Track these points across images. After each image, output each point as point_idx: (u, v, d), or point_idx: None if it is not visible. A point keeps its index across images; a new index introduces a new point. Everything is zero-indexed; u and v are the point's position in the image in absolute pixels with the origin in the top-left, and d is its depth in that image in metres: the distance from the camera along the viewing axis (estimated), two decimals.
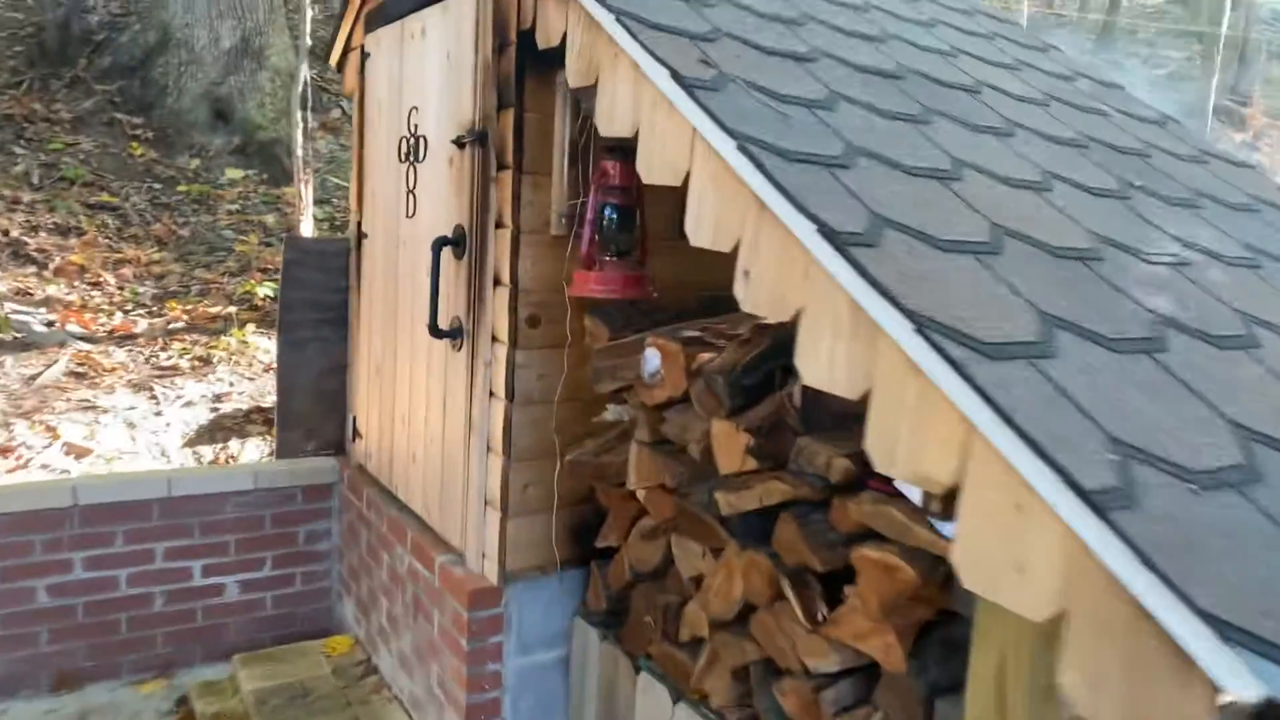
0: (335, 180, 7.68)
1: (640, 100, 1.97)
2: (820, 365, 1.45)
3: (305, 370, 3.93)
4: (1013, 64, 2.88)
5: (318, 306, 3.91)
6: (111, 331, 5.38)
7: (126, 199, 6.73)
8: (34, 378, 4.72)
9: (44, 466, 4.07)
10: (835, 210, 1.52)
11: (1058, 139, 2.33)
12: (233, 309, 5.78)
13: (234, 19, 7.81)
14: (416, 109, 3.10)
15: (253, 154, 7.77)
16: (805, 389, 2.05)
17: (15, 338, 4.99)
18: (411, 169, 3.15)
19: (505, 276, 2.62)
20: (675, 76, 1.80)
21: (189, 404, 4.84)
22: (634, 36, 1.92)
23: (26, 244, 5.88)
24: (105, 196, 6.68)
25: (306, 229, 6.14)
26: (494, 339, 2.69)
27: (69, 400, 4.59)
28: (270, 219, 7.03)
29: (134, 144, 7.30)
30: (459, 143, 2.76)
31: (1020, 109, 2.44)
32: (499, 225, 2.64)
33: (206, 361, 5.26)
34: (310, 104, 6.34)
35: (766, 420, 2.08)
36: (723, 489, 2.10)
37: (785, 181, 1.56)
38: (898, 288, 1.34)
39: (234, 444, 4.56)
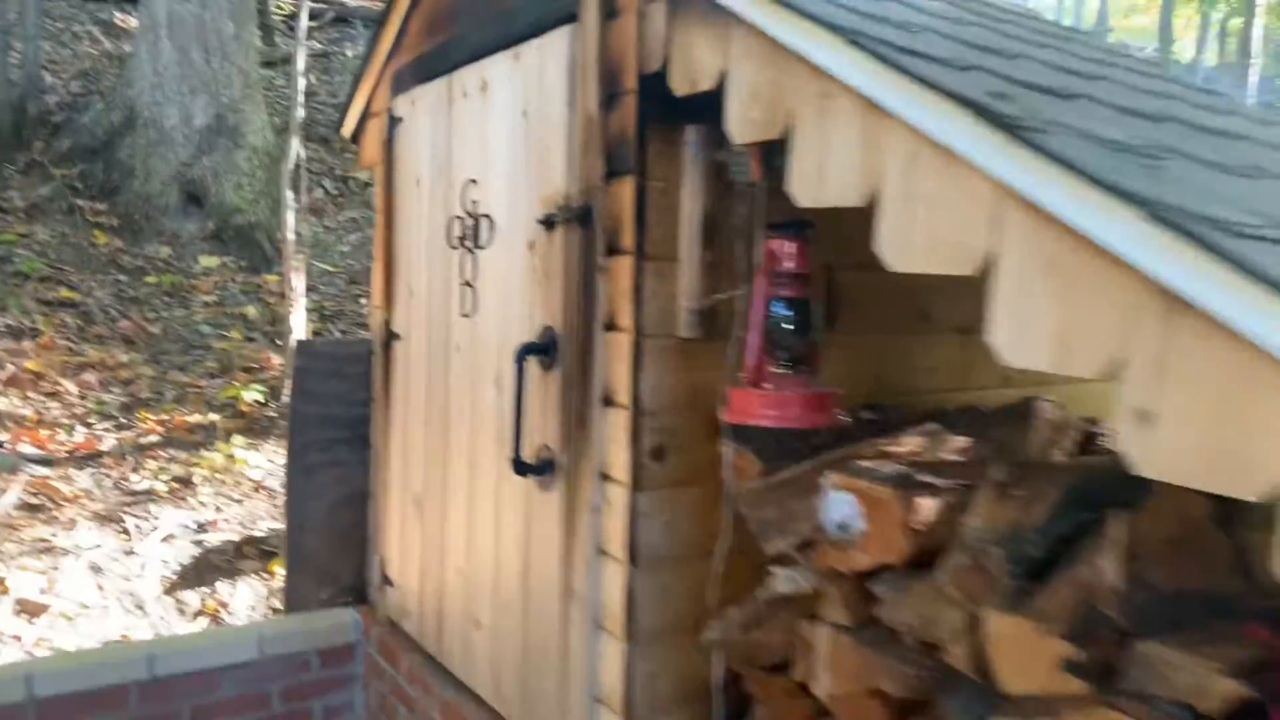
0: (320, 266, 7.02)
1: (879, 154, 1.37)
2: None
3: (318, 501, 3.21)
4: None
5: (333, 423, 3.21)
6: (72, 451, 4.61)
7: (89, 293, 6.01)
8: None
9: None
10: None
11: None
12: (214, 417, 5.04)
13: (207, 95, 7.22)
14: (474, 183, 2.48)
15: (229, 239, 7.10)
16: (1127, 560, 1.41)
17: None
18: (468, 257, 2.51)
19: (621, 394, 1.97)
20: (984, 113, 1.19)
21: (167, 538, 4.07)
22: (887, 62, 1.32)
23: None
24: (64, 292, 5.95)
25: (298, 321, 5.46)
26: (604, 477, 2.02)
27: (21, 541, 3.80)
28: (252, 310, 6.34)
29: (97, 232, 6.61)
30: (547, 223, 2.13)
31: None
32: (611, 327, 1.99)
33: (186, 483, 4.51)
34: (295, 186, 5.72)
35: (1073, 612, 1.42)
36: (1014, 717, 1.43)
37: (1246, 261, 0.94)
38: None
39: (223, 587, 3.80)
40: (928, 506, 1.69)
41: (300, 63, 5.40)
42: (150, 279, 6.39)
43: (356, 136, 3.41)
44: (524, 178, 2.25)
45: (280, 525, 4.33)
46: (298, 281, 5.39)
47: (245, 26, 7.50)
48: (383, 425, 3.10)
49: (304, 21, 5.47)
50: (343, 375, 3.22)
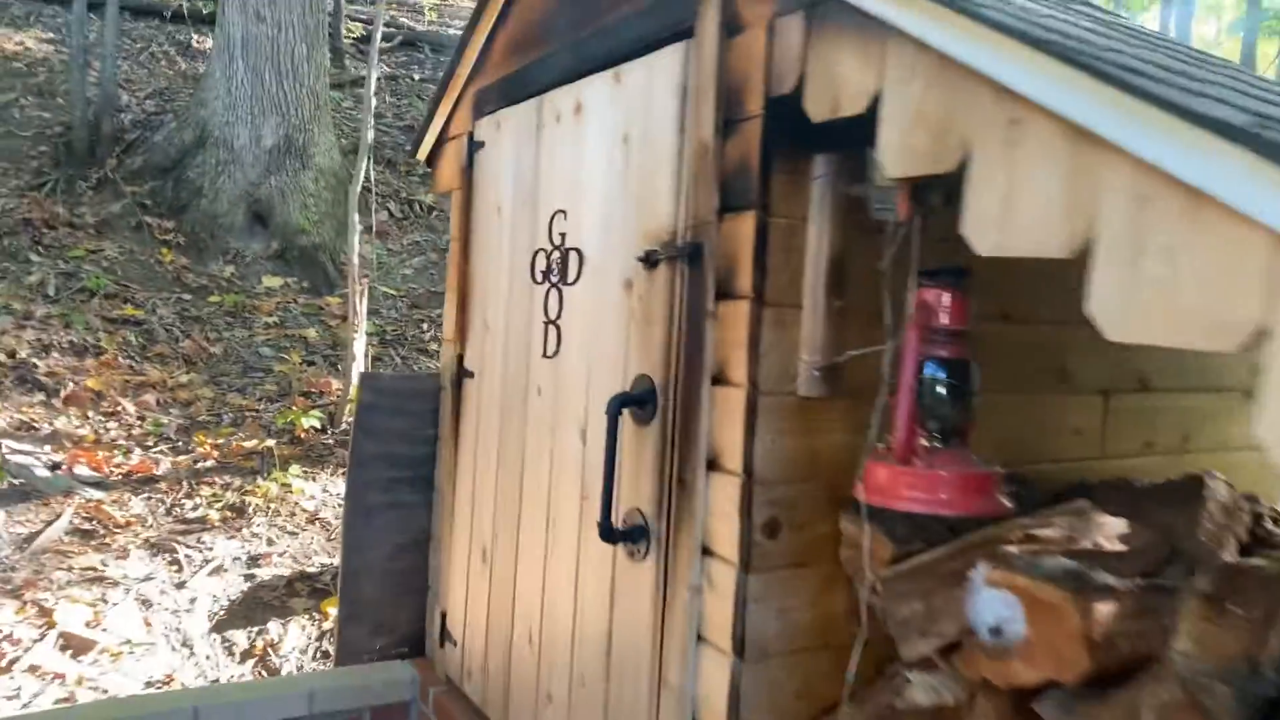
0: (384, 289, 6.92)
1: (1093, 194, 1.12)
2: None
3: (377, 546, 3.01)
4: None
5: (396, 462, 3.02)
6: (128, 474, 4.50)
7: (153, 311, 5.96)
8: (30, 539, 3.81)
9: (32, 669, 3.12)
10: None
11: None
12: (271, 443, 4.91)
13: (278, 116, 7.21)
14: (563, 214, 2.27)
15: (293, 260, 7.05)
16: None
17: (12, 485, 4.12)
18: (554, 293, 2.30)
19: (730, 458, 1.73)
20: (1260, 146, 0.93)
21: (218, 569, 3.91)
22: (1109, 79, 1.07)
23: (35, 366, 5.07)
24: (129, 309, 5.91)
25: (359, 347, 5.33)
26: (707, 552, 1.77)
27: (71, 569, 3.67)
28: (312, 333, 6.24)
29: (164, 249, 6.59)
30: (648, 261, 1.90)
31: None
32: (720, 380, 1.75)
33: (240, 512, 4.36)
34: (362, 208, 5.61)
35: None
36: None
37: None
38: None
39: (274, 626, 3.62)
40: (1107, 614, 1.41)
41: (372, 83, 5.32)
42: (214, 298, 6.34)
43: (432, 160, 3.24)
44: (622, 210, 2.03)
45: (335, 561, 4.15)
46: (360, 305, 5.26)
47: (317, 49, 7.50)
48: (450, 467, 2.89)
49: (376, 41, 5.39)
50: (408, 412, 3.03)
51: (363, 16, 10.93)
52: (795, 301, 1.73)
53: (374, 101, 5.41)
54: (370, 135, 5.43)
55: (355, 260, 5.18)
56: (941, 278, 1.50)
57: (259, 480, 4.61)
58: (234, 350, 5.91)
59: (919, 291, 1.51)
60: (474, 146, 2.80)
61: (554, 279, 2.30)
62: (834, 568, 1.82)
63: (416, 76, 10.54)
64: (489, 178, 2.70)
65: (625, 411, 1.94)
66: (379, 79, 10.29)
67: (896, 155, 1.41)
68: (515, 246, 2.51)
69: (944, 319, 1.49)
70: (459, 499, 2.83)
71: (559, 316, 2.27)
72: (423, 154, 3.27)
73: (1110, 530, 1.83)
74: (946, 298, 1.49)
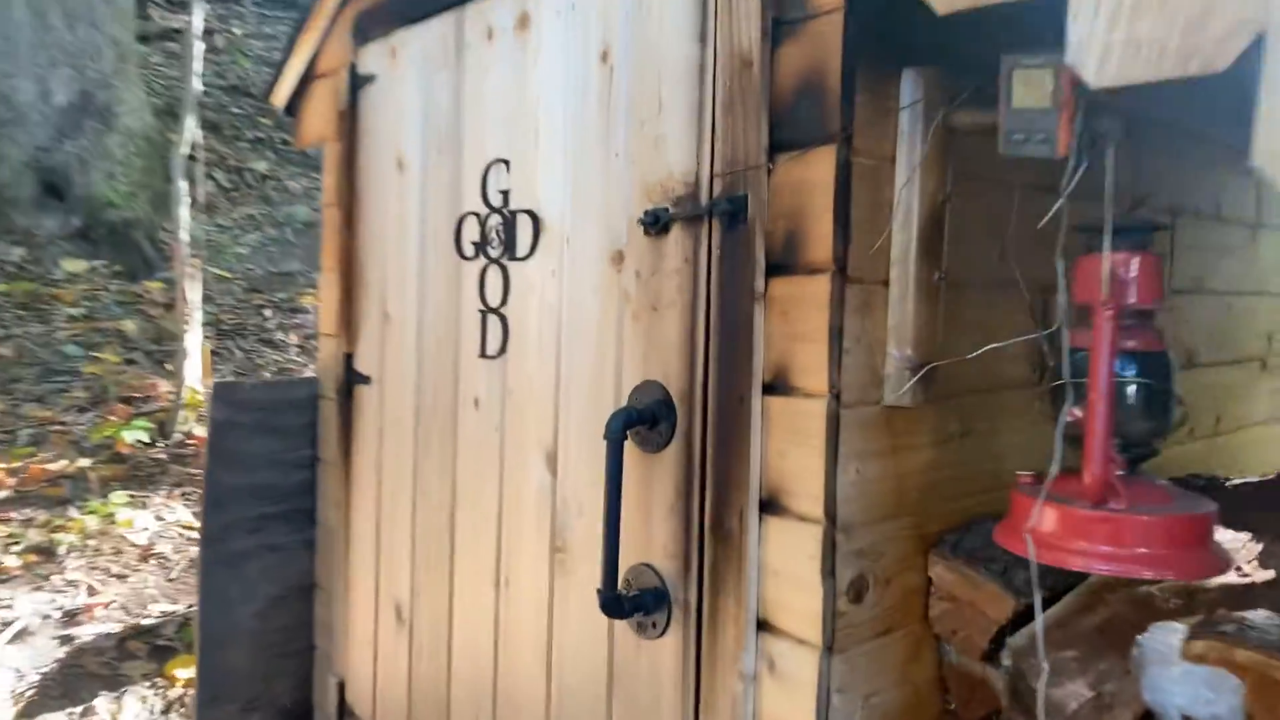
0: (215, 271, 5.96)
1: None
2: None
3: (245, 602, 2.34)
4: None
5: (265, 494, 2.35)
6: None
7: None
8: None
9: None
10: None
11: None
12: (85, 463, 3.99)
13: (70, 68, 6.05)
14: (504, 164, 1.69)
15: (100, 239, 5.96)
16: None
17: None
18: (494, 271, 1.72)
19: (800, 496, 1.24)
20: None
21: (22, 634, 3.07)
22: None
23: None
24: None
25: (193, 340, 4.45)
26: (766, 627, 1.28)
27: None
28: (130, 325, 5.25)
29: None
30: (653, 223, 1.37)
31: None
32: (779, 388, 1.25)
33: (48, 554, 3.47)
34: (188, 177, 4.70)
35: None
36: None
37: None
38: None
39: (103, 702, 2.84)
40: None
41: (197, 21, 4.41)
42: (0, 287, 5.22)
43: (294, 106, 2.54)
44: (602, 156, 1.48)
45: (179, 608, 3.38)
46: (193, 291, 4.39)
47: None
48: (339, 498, 2.25)
49: None
50: (278, 429, 2.36)
51: None
52: (882, 276, 1.25)
53: (199, 45, 4.50)
54: (197, 86, 4.53)
55: (183, 237, 4.30)
56: (1131, 237, 1.05)
57: (71, 512, 3.72)
58: (28, 350, 4.85)
59: (1100, 257, 1.06)
60: (357, 83, 2.15)
61: (493, 253, 1.72)
62: (920, 628, 1.37)
63: (238, 31, 9.33)
64: (383, 122, 2.07)
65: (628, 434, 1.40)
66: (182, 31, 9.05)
67: (1102, 54, 0.94)
68: (429, 211, 1.90)
69: (1133, 295, 1.05)
70: (356, 539, 2.20)
71: (503, 303, 1.70)
72: (280, 98, 2.56)
73: (1240, 550, 1.47)
74: (1136, 265, 1.05)
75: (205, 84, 8.13)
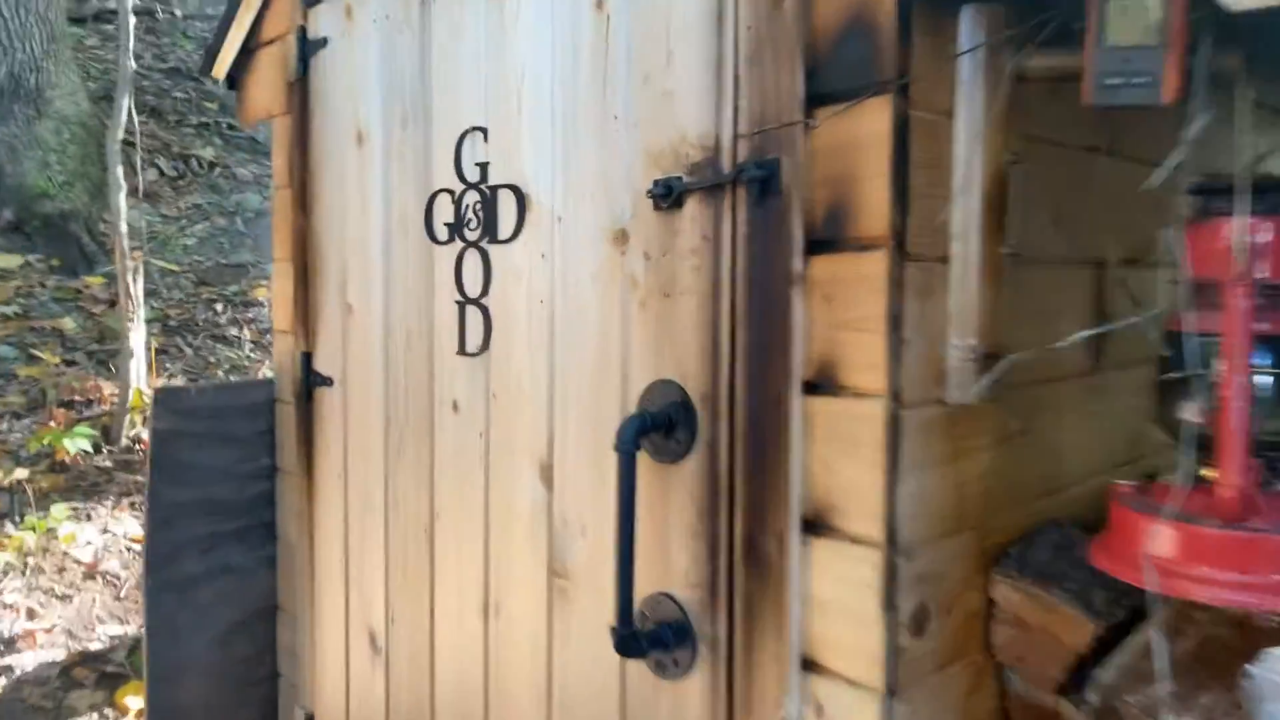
0: (161, 264, 5.63)
1: None
2: None
3: (199, 631, 2.11)
4: None
5: (218, 510, 2.12)
6: None
7: None
8: None
9: None
10: None
11: None
12: (22, 474, 3.69)
13: None
14: (481, 133, 1.47)
15: (34, 232, 5.59)
16: None
17: None
18: (472, 256, 1.50)
19: (852, 514, 1.05)
20: None
21: None
22: None
23: None
24: None
25: (138, 339, 4.15)
26: (811, 666, 1.09)
27: None
28: (70, 323, 4.91)
29: None
30: (666, 194, 1.16)
31: None
32: (824, 387, 1.06)
33: None
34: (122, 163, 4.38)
35: None
36: None
37: None
38: None
39: None
40: None
41: None
42: None
43: (236, 78, 2.29)
44: (598, 117, 1.27)
45: (129, 630, 3.12)
46: (135, 286, 4.09)
47: None
48: (301, 511, 2.02)
49: None
50: (230, 438, 2.12)
51: None
52: (941, 252, 1.06)
53: (132, 20, 4.18)
54: (131, 65, 4.21)
55: (123, 228, 4.00)
56: (1267, 199, 0.87)
57: (8, 528, 3.43)
58: None
59: (1220, 223, 0.87)
60: (308, 48, 1.91)
61: (471, 235, 1.50)
62: (981, 656, 1.20)
63: (179, 12, 8.89)
64: (339, 90, 1.83)
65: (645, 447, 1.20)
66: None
67: None
68: (395, 189, 1.68)
69: (1269, 267, 0.87)
70: (322, 557, 1.98)
71: (484, 292, 1.48)
72: (220, 69, 2.31)
73: None
74: (1273, 232, 0.87)
75: (145, 67, 7.72)
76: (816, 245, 1.05)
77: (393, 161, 1.68)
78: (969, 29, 1.03)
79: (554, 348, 1.36)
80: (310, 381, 1.96)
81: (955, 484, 1.12)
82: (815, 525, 1.08)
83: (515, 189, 1.42)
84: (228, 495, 2.13)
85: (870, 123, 1.00)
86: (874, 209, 1.00)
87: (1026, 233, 1.15)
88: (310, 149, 1.94)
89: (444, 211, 1.55)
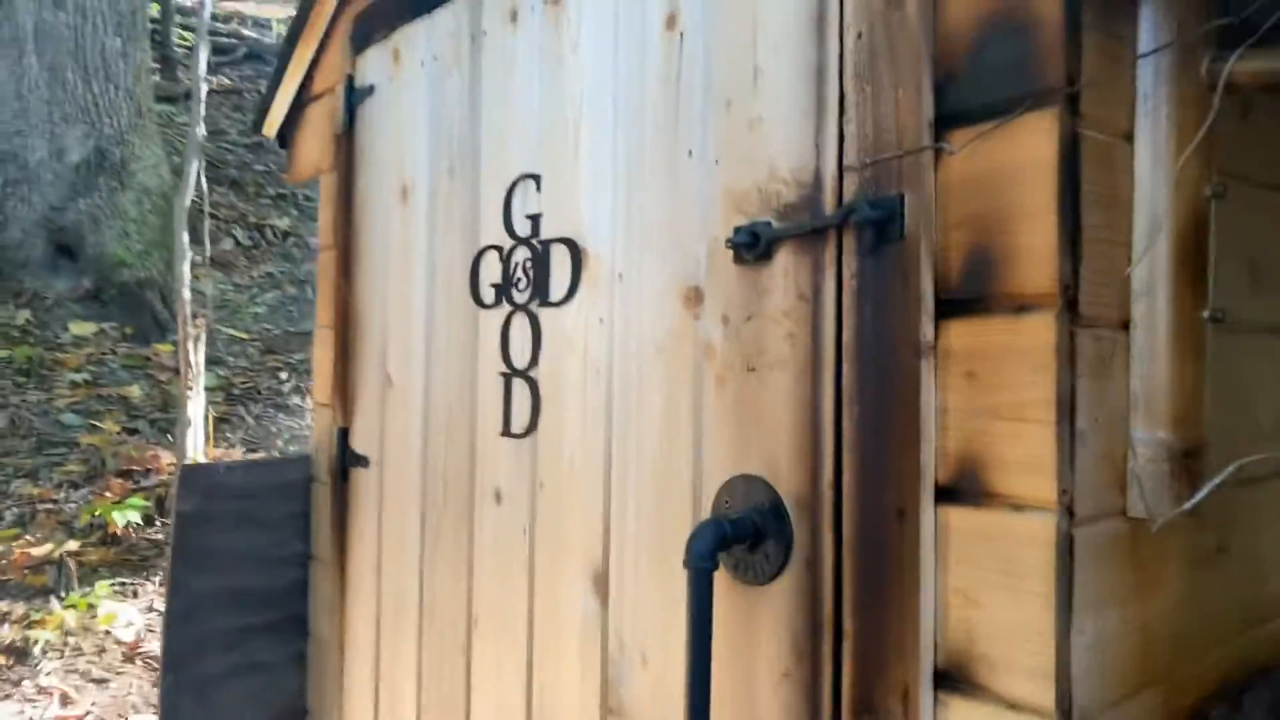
0: (229, 332, 5.63)
1: None
2: None
3: None
4: None
5: (245, 601, 1.92)
6: None
7: None
8: None
9: None
10: None
11: None
12: (72, 545, 3.59)
13: (85, 124, 5.84)
14: (534, 180, 1.28)
15: (111, 301, 5.67)
16: None
17: None
18: (520, 320, 1.29)
19: (1007, 669, 0.77)
20: None
21: None
22: None
23: None
24: None
25: (196, 407, 4.08)
26: None
27: None
28: (136, 390, 4.90)
29: None
30: (751, 244, 0.93)
31: None
32: (964, 495, 0.80)
33: (21, 655, 3.05)
34: (195, 231, 4.39)
35: None
36: None
37: None
38: None
39: None
40: None
41: (202, 62, 4.12)
42: (0, 352, 4.91)
43: (286, 135, 2.17)
44: (668, 156, 1.06)
45: None
46: (196, 354, 4.02)
47: (134, 43, 6.18)
48: (335, 603, 1.81)
49: (207, 11, 4.23)
50: (261, 521, 1.93)
51: (194, 24, 9.54)
52: (1121, 316, 0.80)
53: (204, 86, 4.21)
54: (201, 132, 4.22)
55: (185, 295, 3.95)
56: None
57: (52, 604, 3.31)
58: (24, 420, 4.51)
59: None
60: (355, 97, 1.76)
61: (520, 297, 1.29)
62: None
63: (264, 90, 9.22)
64: (385, 141, 1.67)
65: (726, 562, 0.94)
66: (219, 93, 8.95)
67: None
68: (439, 246, 1.49)
69: None
70: (351, 658, 1.75)
71: (533, 363, 1.27)
72: (270, 128, 2.19)
73: None
74: None
75: (229, 142, 7.96)
76: (954, 306, 0.80)
77: (438, 216, 1.49)
78: (1153, 23, 0.79)
79: (611, 430, 1.13)
80: (346, 461, 1.77)
81: (1140, 625, 0.83)
82: (953, 680, 0.80)
83: (570, 243, 1.21)
84: (256, 584, 1.93)
85: (1028, 145, 0.76)
86: (1036, 257, 0.75)
87: (1226, 290, 0.88)
88: (355, 206, 1.78)
89: (491, 271, 1.35)
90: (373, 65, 1.71)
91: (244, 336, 5.72)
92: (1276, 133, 0.97)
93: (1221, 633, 0.96)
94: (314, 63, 1.99)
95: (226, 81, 9.24)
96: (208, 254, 4.75)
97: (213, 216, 6.37)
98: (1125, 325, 0.80)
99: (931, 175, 0.81)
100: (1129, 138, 0.80)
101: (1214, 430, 0.83)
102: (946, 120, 0.81)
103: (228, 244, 6.52)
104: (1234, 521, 0.97)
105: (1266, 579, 1.02)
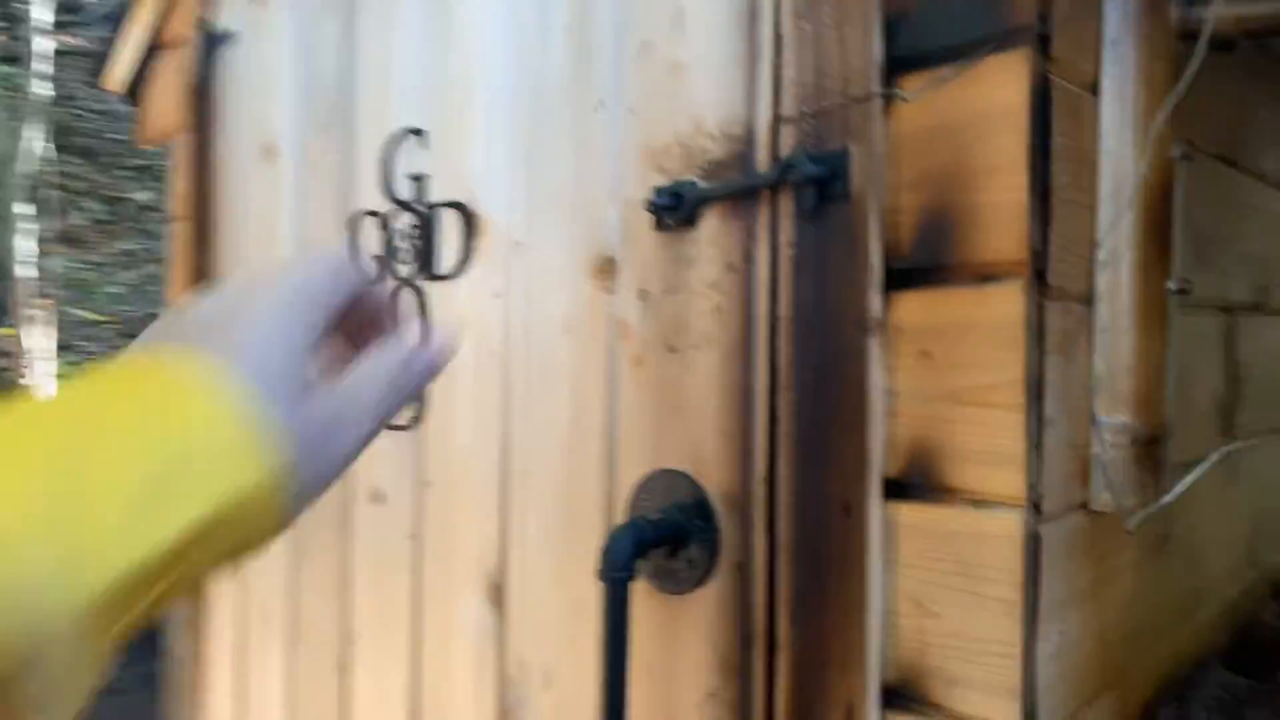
0: (81, 313, 5.17)
1: None
2: None
3: None
4: None
5: None
6: None
7: None
8: None
9: None
10: None
11: None
12: None
13: None
14: (416, 135, 1.12)
15: None
16: None
17: None
18: (404, 296, 1.14)
19: (968, 687, 0.69)
20: None
21: None
22: None
23: None
24: None
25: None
26: None
27: None
28: None
29: None
30: (671, 207, 0.82)
31: None
32: (916, 490, 0.71)
33: None
34: (38, 201, 3.97)
35: None
36: None
37: None
38: None
39: None
40: None
41: (39, 14, 3.70)
42: None
43: (136, 91, 1.92)
44: (574, 107, 0.93)
45: None
46: (39, 337, 3.63)
47: None
48: (190, 615, 1.61)
49: None
50: None
51: None
52: (1084, 288, 0.72)
53: (49, 43, 3.79)
54: (43, 93, 3.80)
55: (20, 273, 3.55)
56: None
57: None
58: None
59: None
60: (214, 45, 1.56)
61: (403, 269, 1.14)
62: None
63: (109, 37, 8.53)
64: (247, 96, 1.47)
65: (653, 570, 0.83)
66: (72, 54, 8.24)
67: None
68: (309, 211, 1.31)
69: None
70: (212, 679, 1.56)
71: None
72: (117, 82, 1.94)
73: None
74: None
75: (81, 107, 7.32)
76: (906, 276, 0.71)
77: (308, 178, 1.32)
78: None
79: (510, 420, 1.00)
80: None
81: (1098, 627, 0.77)
82: (904, 697, 0.71)
83: (461, 207, 1.06)
84: None
85: (995, 91, 0.66)
86: (1003, 219, 0.66)
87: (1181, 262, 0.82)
88: (213, 169, 1.57)
89: (369, 239, 1.19)
90: (233, 9, 1.50)
91: (100, 319, 5.26)
92: (1219, 97, 0.93)
93: (1164, 626, 0.91)
94: (167, 4, 1.76)
95: (78, 42, 8.52)
96: (56, 228, 4.31)
97: (62, 188, 5.85)
98: (1088, 299, 0.72)
99: (881, 126, 0.71)
100: (1094, 89, 0.72)
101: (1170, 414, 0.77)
102: (899, 64, 0.71)
103: (79, 218, 5.98)
104: (1175, 508, 0.91)
105: (1201, 565, 0.98)
